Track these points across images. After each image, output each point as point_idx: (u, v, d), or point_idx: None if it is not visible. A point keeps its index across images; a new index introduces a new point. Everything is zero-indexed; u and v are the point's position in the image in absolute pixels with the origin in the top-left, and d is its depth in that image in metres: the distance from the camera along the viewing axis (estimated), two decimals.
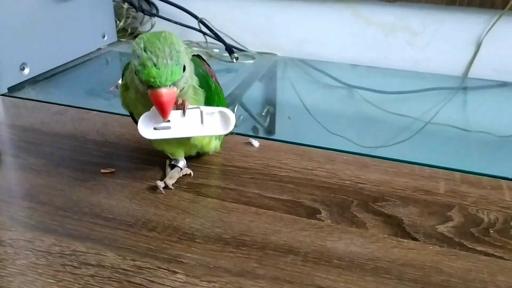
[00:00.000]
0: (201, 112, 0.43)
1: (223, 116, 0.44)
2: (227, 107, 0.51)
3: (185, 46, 0.45)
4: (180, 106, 0.43)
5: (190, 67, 0.42)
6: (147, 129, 0.42)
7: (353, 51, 0.93)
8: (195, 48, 0.97)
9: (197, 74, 0.45)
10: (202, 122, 0.43)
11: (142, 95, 0.42)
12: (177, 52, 0.39)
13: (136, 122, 0.49)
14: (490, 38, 0.84)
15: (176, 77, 0.39)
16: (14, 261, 0.38)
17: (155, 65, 0.38)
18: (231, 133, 0.57)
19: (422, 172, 0.52)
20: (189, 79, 0.42)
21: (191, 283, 0.36)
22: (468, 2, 0.83)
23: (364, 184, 0.50)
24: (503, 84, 0.86)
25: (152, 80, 0.38)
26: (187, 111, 0.43)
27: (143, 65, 0.38)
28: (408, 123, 0.75)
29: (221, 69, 0.89)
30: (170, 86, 0.39)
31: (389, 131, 0.72)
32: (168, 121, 0.42)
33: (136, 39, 0.39)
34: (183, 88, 0.41)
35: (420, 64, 0.90)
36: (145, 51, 0.38)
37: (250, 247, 0.40)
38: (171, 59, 0.38)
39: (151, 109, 0.42)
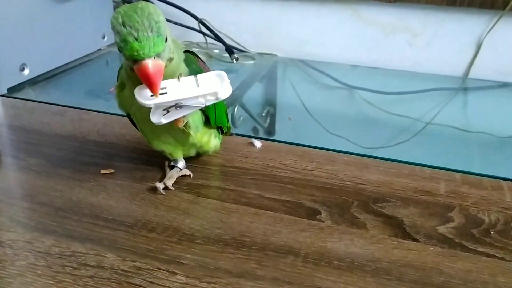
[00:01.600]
0: (196, 77, 0.43)
1: (218, 75, 0.43)
2: (225, 106, 0.51)
3: (174, 38, 0.44)
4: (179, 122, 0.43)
5: (170, 39, 0.41)
6: (144, 96, 0.41)
7: (353, 51, 0.93)
8: (195, 49, 0.97)
9: (191, 70, 0.44)
10: (198, 85, 0.42)
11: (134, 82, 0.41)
12: (156, 23, 0.38)
13: (133, 123, 0.49)
14: (491, 38, 0.84)
15: (159, 48, 0.38)
16: (14, 262, 0.38)
17: (136, 39, 0.37)
18: (231, 133, 0.57)
19: (422, 173, 0.52)
20: (173, 52, 0.42)
21: (191, 284, 0.36)
22: (468, 3, 0.82)
23: (364, 185, 0.49)
24: (504, 85, 0.86)
25: (135, 53, 0.38)
26: (182, 79, 0.42)
27: (125, 41, 0.38)
28: (408, 124, 0.74)
29: (221, 70, 0.89)
30: (154, 57, 0.38)
31: (390, 132, 0.72)
32: (164, 88, 0.41)
33: (113, 14, 0.39)
34: (170, 60, 0.41)
35: (420, 64, 0.90)
36: (124, 26, 0.37)
37: (250, 248, 0.40)
38: (151, 31, 0.38)
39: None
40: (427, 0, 0.85)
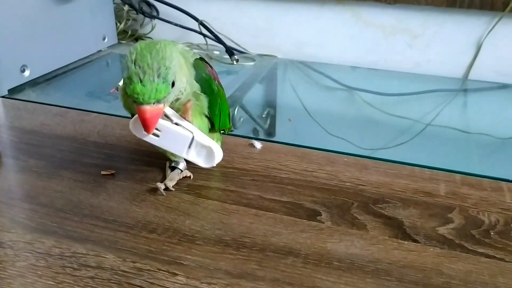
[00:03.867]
0: (193, 138, 0.44)
1: (210, 152, 0.45)
2: (229, 108, 0.51)
3: (187, 49, 0.44)
4: (183, 114, 0.44)
5: (187, 77, 0.42)
6: (138, 128, 0.42)
7: (353, 53, 0.94)
8: (196, 50, 0.97)
9: (200, 78, 0.45)
10: (189, 146, 0.44)
11: None
12: (166, 68, 0.38)
13: None
14: (490, 40, 0.84)
15: (161, 95, 0.38)
16: (14, 263, 0.38)
17: (141, 81, 0.38)
18: (229, 134, 0.57)
19: (422, 174, 0.52)
20: (187, 88, 0.42)
21: (191, 285, 0.36)
22: (468, 4, 0.83)
23: (364, 186, 0.50)
24: (503, 86, 0.86)
25: (135, 96, 0.38)
26: (179, 129, 0.43)
27: (130, 79, 0.38)
28: (408, 125, 0.75)
29: (222, 71, 0.89)
30: (153, 103, 0.38)
31: (390, 133, 0.72)
32: (157, 129, 0.42)
33: (131, 47, 0.39)
34: (177, 99, 0.42)
35: (420, 66, 0.90)
36: (134, 64, 0.38)
37: (250, 249, 0.40)
38: (158, 77, 0.38)
39: None
40: (427, 2, 0.85)
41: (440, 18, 0.86)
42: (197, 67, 0.45)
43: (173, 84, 0.39)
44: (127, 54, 0.39)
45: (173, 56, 0.39)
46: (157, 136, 0.43)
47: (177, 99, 0.42)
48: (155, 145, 0.44)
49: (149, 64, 0.38)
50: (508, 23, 0.82)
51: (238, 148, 0.56)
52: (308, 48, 0.96)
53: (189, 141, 0.44)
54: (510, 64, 0.85)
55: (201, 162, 0.45)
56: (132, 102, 0.39)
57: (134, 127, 0.43)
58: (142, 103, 0.38)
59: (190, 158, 0.45)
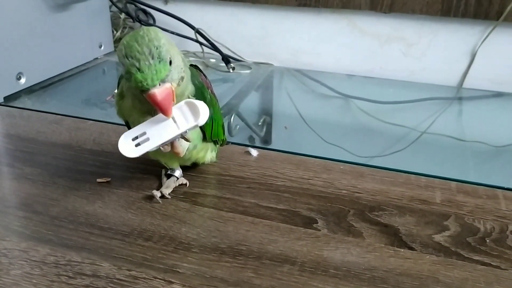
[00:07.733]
0: (173, 118, 0.42)
1: (192, 108, 0.42)
2: (222, 118, 0.51)
3: (182, 55, 0.45)
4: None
5: (179, 59, 0.41)
6: (128, 147, 0.42)
7: (348, 61, 0.94)
8: (192, 58, 0.97)
9: (192, 85, 0.45)
10: (175, 121, 0.42)
11: (140, 101, 0.42)
12: (157, 48, 0.38)
13: None
14: (485, 48, 0.85)
15: (162, 74, 0.38)
16: (9, 271, 0.38)
17: (139, 70, 0.38)
18: (227, 142, 0.57)
19: (418, 182, 0.52)
20: (184, 70, 0.42)
21: None
22: (462, 13, 0.83)
23: (360, 194, 0.50)
24: (498, 94, 0.87)
25: (140, 84, 0.38)
26: (158, 117, 0.42)
27: (129, 72, 0.38)
28: (404, 133, 0.75)
29: (218, 79, 0.90)
30: (159, 84, 0.39)
31: (385, 141, 0.72)
32: (144, 133, 0.42)
33: (118, 46, 0.39)
34: (181, 79, 0.41)
35: (415, 74, 0.91)
36: (127, 57, 0.38)
37: (246, 256, 0.40)
38: (152, 58, 0.38)
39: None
40: (421, 11, 0.86)
41: (435, 27, 0.87)
42: (190, 74, 0.45)
43: (170, 62, 0.39)
44: (117, 54, 0.39)
45: (159, 36, 0.39)
46: (148, 139, 0.42)
47: (182, 78, 0.41)
48: (152, 151, 0.43)
49: (139, 50, 0.38)
50: (502, 32, 0.83)
51: (234, 155, 0.56)
52: (304, 56, 0.97)
53: (172, 120, 0.42)
54: (505, 72, 0.86)
55: (193, 123, 0.42)
56: (140, 94, 0.39)
57: (126, 148, 0.42)
58: (148, 88, 0.38)
59: (184, 127, 0.42)
